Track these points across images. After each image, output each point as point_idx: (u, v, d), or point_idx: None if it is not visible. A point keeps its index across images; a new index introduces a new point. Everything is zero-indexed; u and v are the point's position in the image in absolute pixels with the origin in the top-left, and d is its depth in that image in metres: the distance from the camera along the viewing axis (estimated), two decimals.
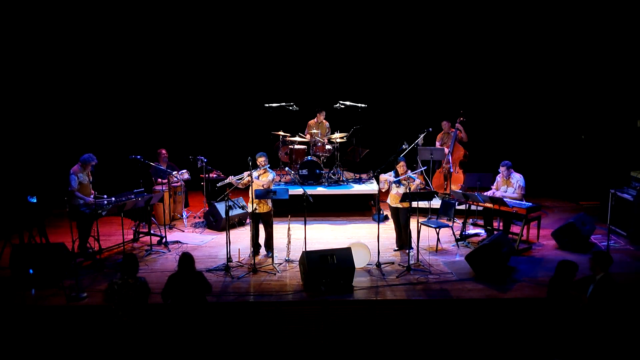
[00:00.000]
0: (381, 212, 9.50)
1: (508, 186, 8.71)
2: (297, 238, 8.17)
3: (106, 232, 9.14)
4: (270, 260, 7.98)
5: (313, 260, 7.08)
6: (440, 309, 6.76)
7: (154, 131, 12.03)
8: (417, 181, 8.11)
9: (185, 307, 5.80)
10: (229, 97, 12.58)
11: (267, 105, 10.97)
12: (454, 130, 10.54)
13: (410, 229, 8.15)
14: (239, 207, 9.21)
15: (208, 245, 8.88)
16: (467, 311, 6.72)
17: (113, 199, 8.22)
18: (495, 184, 8.94)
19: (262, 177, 8.17)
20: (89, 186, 8.25)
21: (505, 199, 8.37)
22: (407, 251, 7.88)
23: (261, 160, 8.12)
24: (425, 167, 8.84)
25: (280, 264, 7.96)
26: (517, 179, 8.67)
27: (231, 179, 8.13)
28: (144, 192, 8.60)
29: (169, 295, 5.88)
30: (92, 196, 8.21)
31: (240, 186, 8.17)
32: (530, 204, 8.39)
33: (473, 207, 9.05)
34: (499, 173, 8.80)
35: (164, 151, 10.01)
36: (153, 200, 8.82)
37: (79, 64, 11.74)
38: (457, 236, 8.87)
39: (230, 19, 12.05)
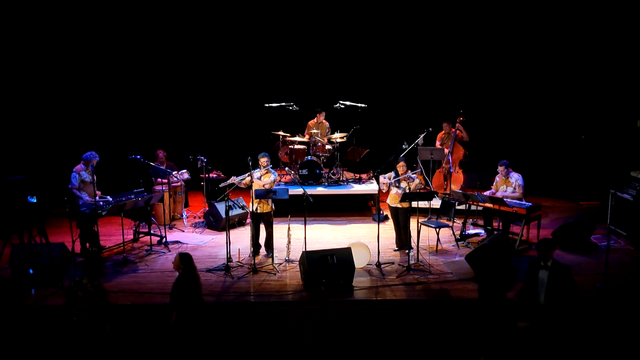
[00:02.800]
0: (381, 212, 9.50)
1: (507, 186, 8.71)
2: (297, 238, 8.17)
3: (106, 232, 9.15)
4: (270, 260, 7.98)
5: (313, 260, 7.08)
6: (440, 309, 6.76)
7: (154, 131, 12.02)
8: (417, 181, 8.11)
9: (191, 308, 5.76)
10: (229, 97, 12.57)
11: (267, 105, 10.96)
12: (454, 130, 10.54)
13: (410, 229, 8.15)
14: (239, 207, 9.20)
15: (208, 245, 8.88)
16: (467, 311, 6.71)
17: (116, 199, 8.23)
18: (494, 184, 8.93)
19: (264, 178, 8.17)
20: (93, 186, 8.12)
21: (505, 199, 8.37)
22: (407, 251, 7.88)
23: (263, 160, 8.13)
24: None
25: (280, 264, 7.96)
26: (515, 178, 8.66)
27: (233, 179, 8.13)
28: (144, 192, 8.61)
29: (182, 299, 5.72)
30: (97, 196, 8.13)
31: (242, 186, 8.17)
32: (530, 204, 8.38)
33: (473, 207, 9.04)
34: (498, 173, 8.80)
35: (161, 154, 9.99)
36: (153, 200, 8.82)
37: (80, 65, 11.73)
38: (457, 236, 8.87)
39: (230, 19, 12.05)
